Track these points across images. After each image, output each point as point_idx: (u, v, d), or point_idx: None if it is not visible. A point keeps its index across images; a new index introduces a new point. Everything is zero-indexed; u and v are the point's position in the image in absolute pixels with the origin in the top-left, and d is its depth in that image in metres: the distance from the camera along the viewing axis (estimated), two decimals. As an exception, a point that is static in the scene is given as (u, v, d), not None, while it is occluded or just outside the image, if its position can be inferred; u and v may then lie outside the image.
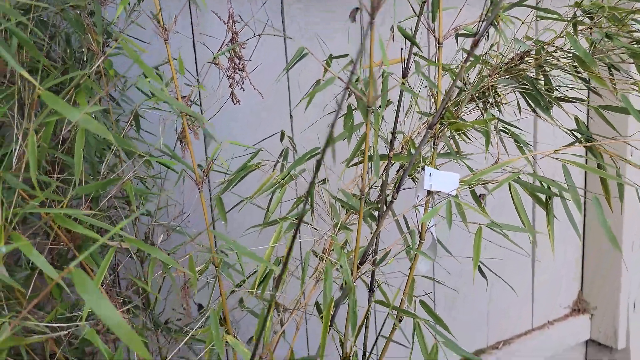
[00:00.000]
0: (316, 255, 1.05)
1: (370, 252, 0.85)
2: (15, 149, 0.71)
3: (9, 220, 0.67)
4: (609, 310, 2.11)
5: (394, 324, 0.86)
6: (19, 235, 0.62)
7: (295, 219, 0.88)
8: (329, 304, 0.78)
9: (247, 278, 1.03)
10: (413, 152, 0.95)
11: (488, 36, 1.05)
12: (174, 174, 1.04)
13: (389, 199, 0.94)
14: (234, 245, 0.63)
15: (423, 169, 0.90)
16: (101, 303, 0.42)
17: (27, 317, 0.63)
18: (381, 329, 0.82)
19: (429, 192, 0.88)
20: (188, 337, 0.79)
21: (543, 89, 0.91)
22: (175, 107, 0.73)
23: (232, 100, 0.86)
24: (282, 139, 1.17)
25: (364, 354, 0.94)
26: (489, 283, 1.07)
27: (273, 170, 1.03)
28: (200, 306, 1.42)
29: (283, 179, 0.99)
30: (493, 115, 0.86)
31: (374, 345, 0.80)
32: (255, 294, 0.96)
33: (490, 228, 0.83)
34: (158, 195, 0.92)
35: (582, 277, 2.17)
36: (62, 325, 0.62)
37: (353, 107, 0.94)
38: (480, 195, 1.97)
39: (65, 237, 0.74)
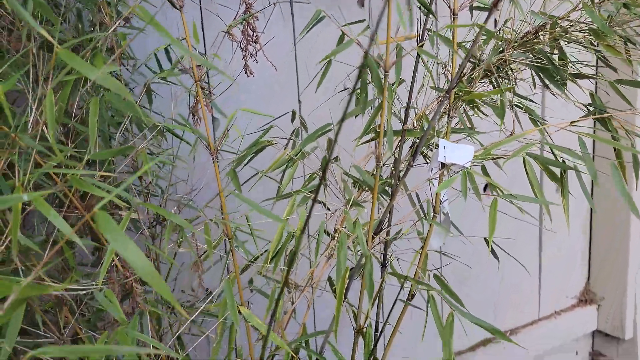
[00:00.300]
0: (328, 234, 1.05)
1: (384, 223, 0.85)
2: (30, 116, 0.70)
3: (24, 185, 0.67)
4: (616, 301, 2.10)
5: (409, 293, 0.86)
6: (41, 200, 0.61)
7: (310, 192, 0.88)
8: (344, 274, 0.77)
9: (260, 255, 1.03)
10: (427, 127, 0.94)
11: (496, 21, 1.05)
12: (185, 150, 1.04)
13: (401, 174, 0.93)
14: (253, 204, 0.62)
15: (436, 145, 0.89)
16: (127, 244, 0.42)
17: (41, 277, 0.63)
18: (396, 299, 0.81)
19: (443, 165, 0.88)
20: (202, 308, 0.78)
21: (558, 63, 0.91)
22: (191, 69, 0.73)
23: (246, 73, 0.85)
24: (293, 119, 1.17)
25: (377, 329, 0.93)
26: (498, 271, 1.06)
27: (285, 148, 1.03)
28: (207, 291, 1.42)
29: (295, 156, 0.99)
30: (508, 85, 0.85)
31: (388, 316, 0.79)
32: (266, 270, 0.95)
33: (505, 200, 0.82)
34: (171, 165, 0.92)
35: (589, 268, 2.16)
36: (78, 287, 0.62)
37: (368, 81, 0.93)
38: (486, 185, 1.96)
39: (79, 205, 0.74)
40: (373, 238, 0.84)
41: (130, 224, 1.06)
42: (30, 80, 0.76)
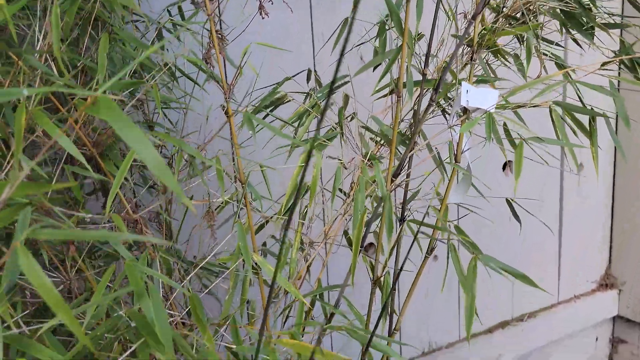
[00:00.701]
0: (342, 192, 1.01)
1: (404, 164, 0.81)
2: (36, 42, 0.68)
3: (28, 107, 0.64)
4: (637, 286, 2.04)
5: (429, 246, 0.83)
6: (42, 114, 0.59)
7: (327, 139, 0.84)
8: (362, 218, 0.74)
9: (273, 215, 1.00)
10: (450, 78, 0.91)
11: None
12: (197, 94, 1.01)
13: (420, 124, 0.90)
14: (272, 128, 0.59)
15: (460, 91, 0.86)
16: (133, 133, 0.39)
17: (47, 207, 0.60)
18: (412, 243, 0.78)
19: (465, 111, 0.84)
20: (214, 253, 0.75)
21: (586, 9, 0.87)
22: (204, 3, 0.70)
23: (261, 14, 0.83)
24: (308, 79, 1.14)
25: (393, 286, 0.90)
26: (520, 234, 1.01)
27: (304, 102, 1.00)
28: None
29: (312, 108, 0.96)
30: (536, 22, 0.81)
31: (403, 262, 0.75)
32: (279, 227, 0.92)
33: (532, 143, 0.78)
34: (183, 106, 0.89)
35: (611, 251, 2.11)
36: (86, 215, 0.59)
37: (387, 27, 0.90)
38: (505, 164, 1.91)
39: (86, 139, 0.71)
40: (392, 181, 0.80)
41: (142, 179, 1.03)
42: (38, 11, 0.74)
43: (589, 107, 0.84)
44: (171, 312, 0.66)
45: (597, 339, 2.15)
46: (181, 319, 0.69)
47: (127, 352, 0.56)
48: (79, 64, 0.78)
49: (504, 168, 1.84)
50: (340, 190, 1.02)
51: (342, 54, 0.50)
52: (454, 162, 0.85)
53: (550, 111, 0.85)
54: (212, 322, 0.68)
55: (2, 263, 0.39)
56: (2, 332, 0.53)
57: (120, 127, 0.39)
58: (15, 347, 0.58)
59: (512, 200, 1.03)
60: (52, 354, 0.57)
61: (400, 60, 0.85)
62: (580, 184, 1.96)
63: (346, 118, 1.01)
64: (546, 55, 0.90)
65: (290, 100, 1.00)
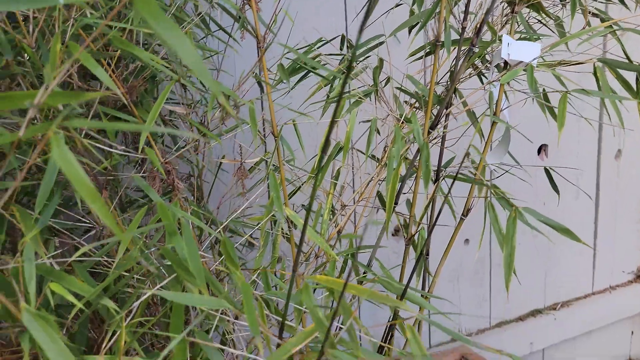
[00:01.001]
0: (375, 158, 1.00)
1: (441, 117, 0.79)
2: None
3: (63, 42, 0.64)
4: (676, 278, 1.98)
5: (465, 208, 0.80)
6: (77, 46, 0.58)
7: (364, 95, 0.82)
8: (397, 170, 0.72)
9: (303, 178, 0.98)
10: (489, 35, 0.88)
11: None
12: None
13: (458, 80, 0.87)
14: (304, 57, 0.57)
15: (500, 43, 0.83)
16: (171, 28, 0.37)
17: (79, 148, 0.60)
18: (445, 198, 0.75)
19: (505, 66, 0.81)
20: (245, 206, 0.74)
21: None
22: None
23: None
24: (341, 46, 1.12)
25: (428, 237, 0.87)
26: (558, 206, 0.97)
27: (339, 64, 0.99)
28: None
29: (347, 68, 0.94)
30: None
31: (438, 215, 0.73)
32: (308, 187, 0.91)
33: (576, 94, 0.75)
34: (219, 54, 0.88)
35: (648, 242, 2.05)
36: (114, 151, 0.58)
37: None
38: (540, 147, 1.87)
39: (119, 83, 0.71)
40: (429, 132, 0.78)
41: (172, 142, 1.03)
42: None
43: (636, 64, 0.80)
44: (202, 253, 0.65)
45: (632, 333, 2.09)
46: (212, 263, 0.68)
47: (158, 286, 0.55)
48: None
49: (539, 152, 1.80)
50: (373, 157, 1.00)
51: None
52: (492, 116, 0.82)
53: (595, 69, 0.82)
54: (243, 266, 0.67)
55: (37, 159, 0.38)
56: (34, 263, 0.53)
57: (157, 23, 0.37)
58: (48, 279, 0.57)
59: (551, 168, 1.00)
60: (83, 285, 0.56)
61: (439, 14, 0.82)
62: (619, 174, 1.90)
63: (380, 82, 0.99)
64: (590, 12, 0.87)
65: (326, 64, 0.98)
